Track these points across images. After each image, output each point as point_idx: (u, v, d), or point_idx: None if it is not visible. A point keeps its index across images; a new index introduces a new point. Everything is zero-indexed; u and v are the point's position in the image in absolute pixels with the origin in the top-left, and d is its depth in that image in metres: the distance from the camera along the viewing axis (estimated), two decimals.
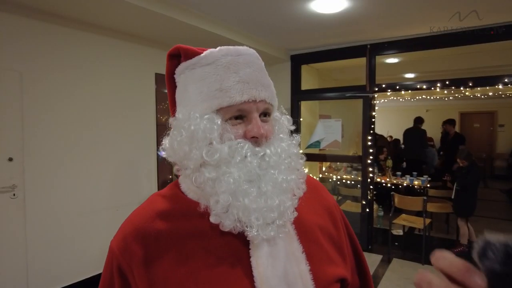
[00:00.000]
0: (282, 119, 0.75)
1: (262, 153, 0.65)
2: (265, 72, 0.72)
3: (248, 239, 0.63)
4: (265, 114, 0.69)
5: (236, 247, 0.64)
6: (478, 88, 4.98)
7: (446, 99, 8.97)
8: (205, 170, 0.64)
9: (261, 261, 0.63)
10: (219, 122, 0.64)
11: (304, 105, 5.07)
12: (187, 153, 0.65)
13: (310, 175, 0.87)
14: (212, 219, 0.62)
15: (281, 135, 0.72)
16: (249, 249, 0.64)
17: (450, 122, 6.65)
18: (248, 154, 0.63)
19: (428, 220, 4.11)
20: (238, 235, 0.64)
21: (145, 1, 2.72)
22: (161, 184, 3.97)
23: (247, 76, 0.66)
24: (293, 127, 0.77)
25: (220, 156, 0.62)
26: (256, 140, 0.66)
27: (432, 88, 4.03)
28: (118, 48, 3.48)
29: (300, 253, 0.66)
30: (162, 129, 3.90)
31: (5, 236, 2.68)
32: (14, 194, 2.72)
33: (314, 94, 5.00)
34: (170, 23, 3.11)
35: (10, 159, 2.69)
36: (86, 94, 3.21)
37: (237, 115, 0.66)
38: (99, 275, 0.65)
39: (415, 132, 6.34)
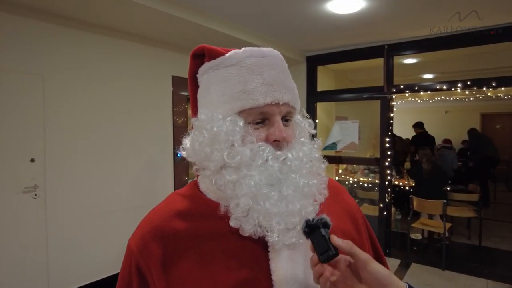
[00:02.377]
0: (303, 123, 0.74)
1: (283, 157, 0.64)
2: (289, 74, 0.71)
3: (268, 244, 0.62)
4: (287, 119, 0.68)
5: (255, 250, 0.63)
6: (502, 88, 4.81)
7: (466, 100, 8.69)
8: (225, 173, 0.63)
9: (281, 265, 0.61)
10: (241, 124, 0.64)
11: (320, 107, 5.02)
12: (208, 155, 0.64)
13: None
14: (232, 223, 0.61)
15: (302, 139, 0.71)
16: (268, 252, 0.63)
17: (415, 124, 7.01)
18: (269, 157, 0.62)
19: (448, 225, 4.00)
20: (258, 238, 0.63)
21: (162, 4, 2.75)
22: (178, 186, 4.00)
23: (271, 78, 0.65)
24: (314, 131, 0.75)
25: (241, 159, 0.62)
26: (278, 143, 0.65)
27: (453, 89, 3.91)
28: (136, 51, 3.54)
29: None
30: (178, 131, 3.94)
31: (27, 235, 2.75)
32: (36, 194, 2.79)
33: (330, 96, 4.95)
34: (186, 25, 3.14)
35: (32, 160, 2.77)
36: (105, 96, 3.27)
37: (260, 118, 0.65)
38: (117, 275, 0.65)
39: (486, 138, 7.10)
